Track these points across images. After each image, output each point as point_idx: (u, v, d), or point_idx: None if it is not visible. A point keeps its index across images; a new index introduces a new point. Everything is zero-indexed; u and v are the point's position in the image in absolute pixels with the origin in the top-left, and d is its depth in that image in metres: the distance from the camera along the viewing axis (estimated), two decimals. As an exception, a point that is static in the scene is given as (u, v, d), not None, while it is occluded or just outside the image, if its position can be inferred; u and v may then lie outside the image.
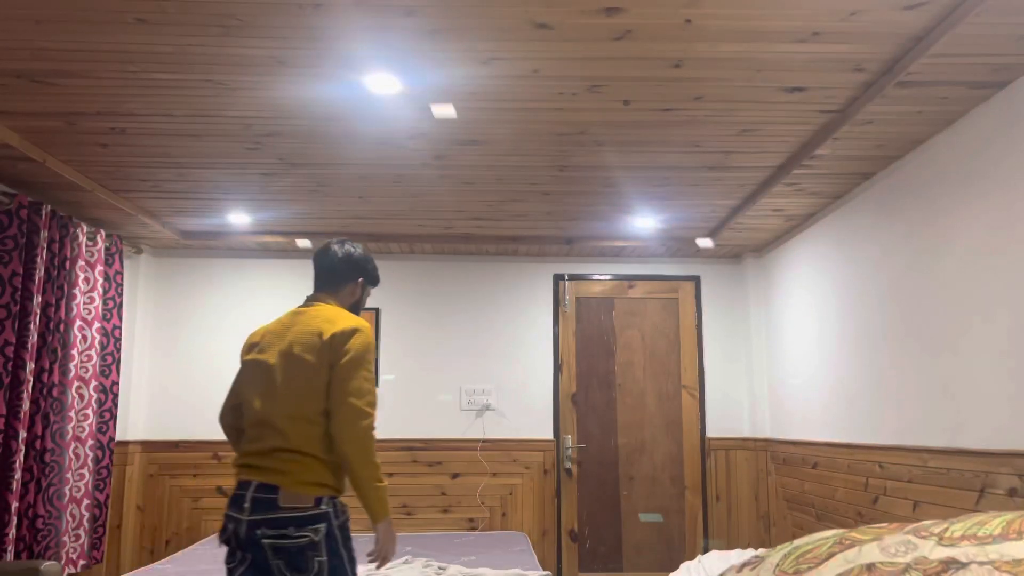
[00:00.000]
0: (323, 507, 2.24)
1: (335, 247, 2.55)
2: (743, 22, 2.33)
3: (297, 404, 2.28)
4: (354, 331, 2.33)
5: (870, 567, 1.93)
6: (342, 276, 2.54)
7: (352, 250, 2.55)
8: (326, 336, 2.31)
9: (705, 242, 4.94)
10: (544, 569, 4.86)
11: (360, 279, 2.57)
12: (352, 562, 2.29)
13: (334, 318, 2.38)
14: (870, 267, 3.72)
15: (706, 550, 5.07)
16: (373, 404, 2.29)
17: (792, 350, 4.70)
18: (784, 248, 4.85)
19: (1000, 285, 2.76)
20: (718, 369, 5.33)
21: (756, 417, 5.20)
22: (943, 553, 1.87)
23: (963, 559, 1.80)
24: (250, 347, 2.47)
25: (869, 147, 3.31)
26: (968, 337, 2.94)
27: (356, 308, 2.59)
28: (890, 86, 2.68)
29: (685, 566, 3.25)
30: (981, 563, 1.75)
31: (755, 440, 5.21)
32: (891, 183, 3.54)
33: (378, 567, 2.33)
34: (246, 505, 2.23)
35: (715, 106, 2.95)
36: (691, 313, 5.39)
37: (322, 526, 2.22)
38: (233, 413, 2.51)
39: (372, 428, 2.27)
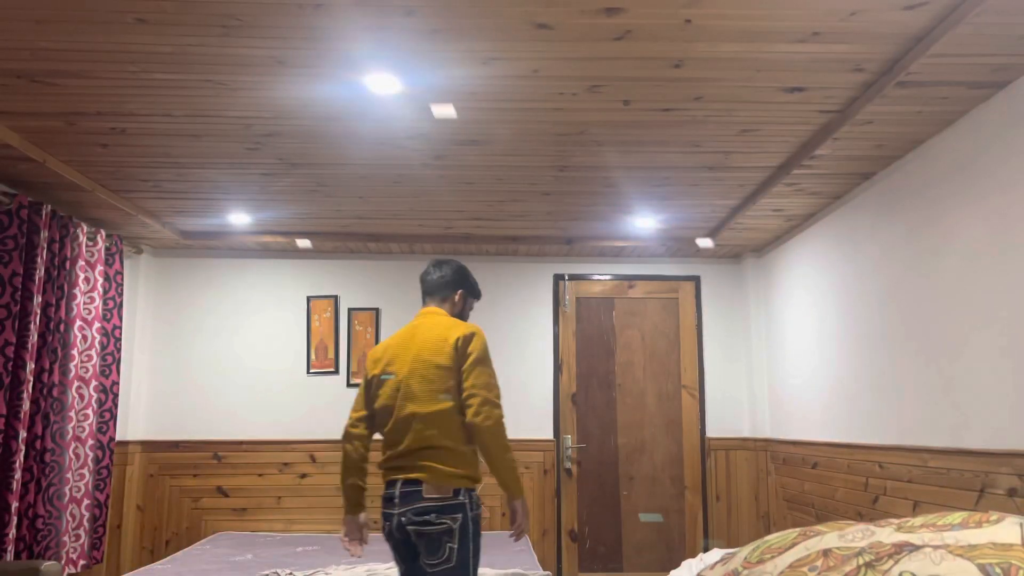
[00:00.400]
0: (460, 498, 2.52)
1: (432, 268, 2.86)
2: (743, 22, 2.33)
3: (434, 404, 2.57)
4: (473, 334, 2.65)
5: (826, 552, 1.98)
6: (445, 290, 2.84)
7: (449, 270, 2.85)
8: (451, 341, 2.62)
9: (705, 242, 4.94)
10: (544, 569, 4.86)
11: (461, 291, 2.86)
12: (477, 556, 2.52)
13: (451, 325, 2.69)
14: (870, 267, 3.72)
15: (706, 550, 5.07)
16: (499, 396, 2.60)
17: (792, 350, 4.70)
18: (784, 248, 4.85)
19: (1000, 285, 2.76)
20: (718, 369, 5.33)
21: (756, 417, 5.20)
22: (898, 538, 1.88)
23: (917, 543, 1.81)
24: (375, 362, 2.75)
25: (869, 147, 3.31)
26: (968, 337, 2.94)
27: (462, 318, 2.85)
28: (890, 86, 2.68)
29: (687, 563, 3.26)
30: (935, 547, 1.75)
31: (755, 440, 5.21)
32: (891, 183, 3.54)
33: (517, 540, 2.64)
34: (396, 500, 2.55)
35: (715, 106, 2.95)
36: (691, 313, 5.39)
37: (459, 515, 2.50)
38: (367, 423, 2.72)
39: (503, 417, 2.57)
